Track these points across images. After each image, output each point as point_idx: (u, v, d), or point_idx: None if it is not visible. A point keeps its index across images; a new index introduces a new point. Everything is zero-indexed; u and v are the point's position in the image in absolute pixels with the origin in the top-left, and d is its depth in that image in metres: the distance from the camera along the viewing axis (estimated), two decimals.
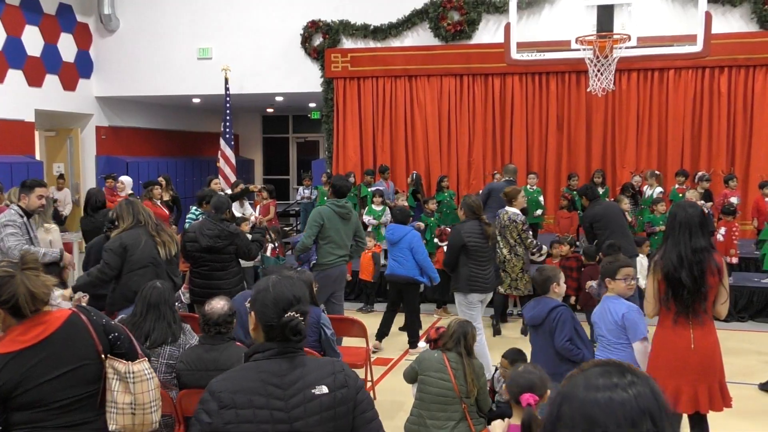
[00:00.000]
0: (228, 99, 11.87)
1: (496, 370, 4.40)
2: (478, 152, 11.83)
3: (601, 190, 9.27)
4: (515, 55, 8.57)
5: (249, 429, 1.93)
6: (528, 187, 9.70)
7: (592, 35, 8.26)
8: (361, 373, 5.21)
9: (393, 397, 5.30)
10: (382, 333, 7.01)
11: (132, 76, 12.92)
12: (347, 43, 12.06)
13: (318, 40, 12.14)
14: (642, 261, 7.10)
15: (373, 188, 10.23)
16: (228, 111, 11.82)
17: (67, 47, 12.54)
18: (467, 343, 3.88)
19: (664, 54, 9.04)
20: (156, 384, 2.66)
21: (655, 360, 3.83)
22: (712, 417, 3.91)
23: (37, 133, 12.39)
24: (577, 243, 8.82)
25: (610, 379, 1.20)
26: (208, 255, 5.65)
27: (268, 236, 7.46)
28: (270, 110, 17.72)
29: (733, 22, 10.50)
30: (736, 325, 7.91)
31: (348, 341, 5.86)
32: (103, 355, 2.50)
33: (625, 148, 11.26)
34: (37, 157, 12.30)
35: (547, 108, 11.56)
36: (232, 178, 11.24)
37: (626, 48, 8.16)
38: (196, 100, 14.46)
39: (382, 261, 8.58)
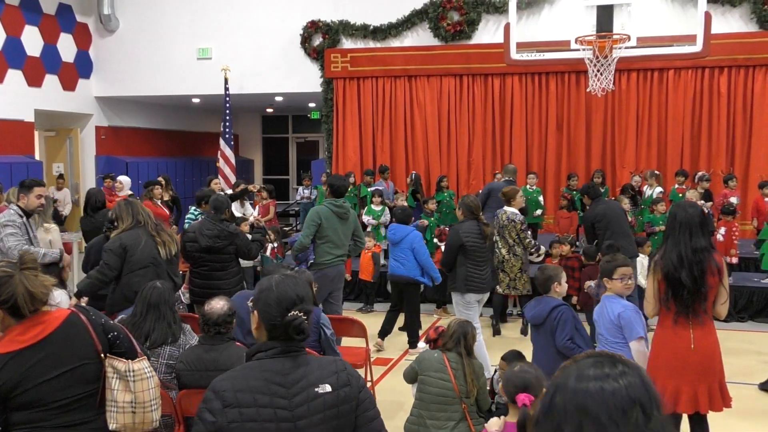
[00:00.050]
0: (228, 99, 11.87)
1: (496, 371, 4.40)
2: (478, 152, 11.83)
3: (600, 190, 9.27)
4: (515, 55, 8.57)
5: (253, 428, 1.94)
6: (528, 187, 9.69)
7: (591, 35, 8.26)
8: (360, 373, 5.20)
9: (393, 397, 5.30)
10: (385, 331, 7.02)
11: (132, 76, 12.92)
12: (347, 43, 12.06)
13: (318, 40, 12.14)
14: (643, 261, 7.10)
15: (373, 188, 10.23)
16: (228, 111, 11.82)
17: (66, 47, 12.54)
18: (467, 343, 3.89)
19: (663, 54, 9.05)
20: (156, 382, 2.66)
21: (655, 360, 3.83)
22: (712, 417, 3.91)
23: (36, 133, 12.39)
24: (577, 243, 8.82)
25: (602, 369, 1.24)
26: (208, 255, 5.65)
27: (267, 237, 7.46)
28: (270, 110, 17.72)
29: (732, 23, 10.50)
30: (736, 326, 7.91)
31: (348, 341, 5.86)
32: (102, 355, 2.50)
33: (625, 148, 11.27)
34: (37, 157, 12.30)
35: (547, 108, 11.56)
36: (232, 178, 11.24)
37: (626, 48, 8.16)
38: (195, 100, 14.46)
39: (382, 261, 8.59)
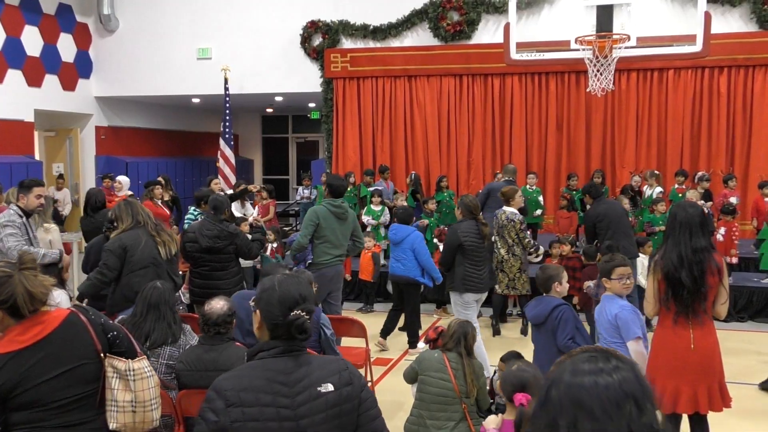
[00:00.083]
0: (227, 99, 11.87)
1: (495, 372, 4.40)
2: (478, 152, 11.83)
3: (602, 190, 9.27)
4: (515, 55, 8.57)
5: (255, 427, 1.94)
6: (527, 187, 9.69)
7: (591, 35, 8.26)
8: (360, 373, 5.20)
9: (393, 397, 5.30)
10: (387, 330, 7.02)
11: (132, 76, 12.92)
12: (347, 43, 12.06)
13: (317, 40, 12.14)
14: (644, 261, 7.10)
15: (372, 188, 10.22)
16: (227, 111, 11.82)
17: (66, 47, 12.54)
18: (467, 343, 3.89)
19: (663, 54, 9.05)
20: (156, 382, 2.66)
21: (655, 360, 3.83)
22: (712, 417, 3.91)
23: (36, 133, 12.39)
24: (577, 243, 8.81)
25: (596, 364, 1.27)
26: (208, 255, 5.65)
27: (266, 236, 7.45)
28: (269, 110, 17.72)
29: (732, 22, 10.50)
30: (736, 326, 7.91)
31: (347, 341, 5.86)
32: (102, 354, 2.50)
33: (625, 148, 11.27)
34: (37, 157, 12.30)
35: (547, 108, 11.56)
36: (232, 179, 11.23)
37: (626, 48, 8.16)
38: (195, 100, 14.46)
39: (382, 261, 8.59)
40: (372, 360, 5.79)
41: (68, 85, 12.63)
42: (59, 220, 10.17)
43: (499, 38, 10.37)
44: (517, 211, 6.99)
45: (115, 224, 4.78)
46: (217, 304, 3.68)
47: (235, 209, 7.99)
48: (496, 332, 7.54)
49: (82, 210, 7.59)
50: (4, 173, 10.28)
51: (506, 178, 8.67)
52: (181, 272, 5.55)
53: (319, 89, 12.24)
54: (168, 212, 8.58)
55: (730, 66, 10.70)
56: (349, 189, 10.19)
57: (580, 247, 7.87)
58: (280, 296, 2.05)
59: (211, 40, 12.52)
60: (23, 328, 2.37)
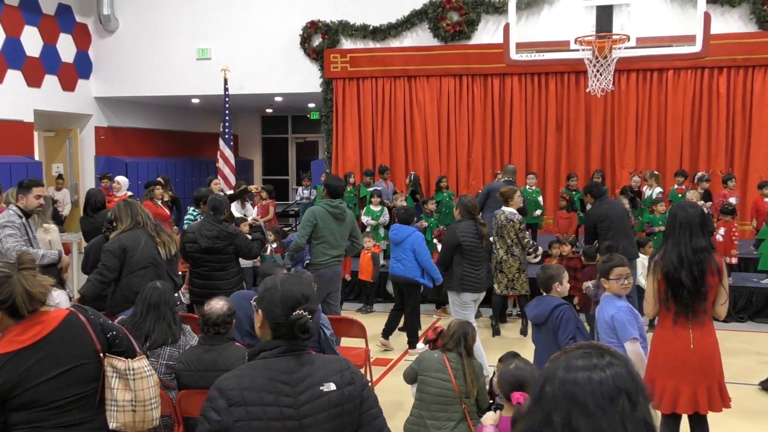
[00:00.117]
0: (227, 99, 11.86)
1: (495, 373, 4.40)
2: (478, 153, 11.83)
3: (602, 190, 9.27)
4: (514, 55, 8.56)
5: (259, 426, 1.94)
6: (527, 187, 9.69)
7: (591, 36, 8.26)
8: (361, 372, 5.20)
9: (393, 397, 5.30)
10: (389, 330, 7.02)
11: (131, 77, 12.92)
12: (346, 44, 12.06)
13: (317, 41, 12.14)
14: (644, 261, 7.09)
15: (372, 189, 10.22)
16: (227, 111, 11.80)
17: (66, 48, 12.54)
18: (467, 343, 3.89)
19: (663, 54, 9.04)
20: (155, 381, 2.66)
21: (655, 360, 3.83)
22: (711, 417, 3.91)
23: (36, 134, 12.39)
24: (577, 243, 8.81)
25: (590, 360, 1.30)
26: (208, 255, 5.65)
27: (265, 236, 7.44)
28: (269, 111, 17.72)
29: (732, 23, 10.51)
30: (736, 326, 7.91)
31: (347, 341, 5.86)
32: (101, 354, 2.50)
33: (624, 148, 11.27)
34: (36, 157, 12.30)
35: (547, 108, 11.56)
36: (232, 179, 11.22)
37: (625, 48, 8.16)
38: (195, 101, 14.46)
39: (381, 261, 8.58)
40: (372, 360, 5.79)
41: (68, 85, 12.63)
42: (59, 220, 10.16)
43: (498, 38, 10.37)
44: (516, 212, 6.99)
45: (115, 225, 4.78)
46: (217, 305, 3.67)
47: (235, 209, 7.98)
48: (496, 332, 7.54)
49: (82, 210, 7.59)
50: (3, 173, 10.28)
51: (506, 179, 8.67)
52: (180, 272, 5.55)
53: (318, 89, 12.24)
54: (168, 212, 8.58)
55: (730, 66, 10.70)
56: (348, 189, 10.20)
57: (580, 248, 7.87)
58: (282, 296, 2.05)
59: (211, 40, 12.52)
60: (22, 329, 2.37)
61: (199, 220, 6.36)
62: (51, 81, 12.22)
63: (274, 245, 7.98)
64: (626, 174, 10.92)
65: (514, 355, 4.01)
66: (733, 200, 9.02)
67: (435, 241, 8.61)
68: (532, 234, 8.76)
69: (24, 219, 5.29)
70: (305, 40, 12.16)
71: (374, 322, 7.16)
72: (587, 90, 8.82)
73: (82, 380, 2.45)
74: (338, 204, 6.04)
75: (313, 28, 12.10)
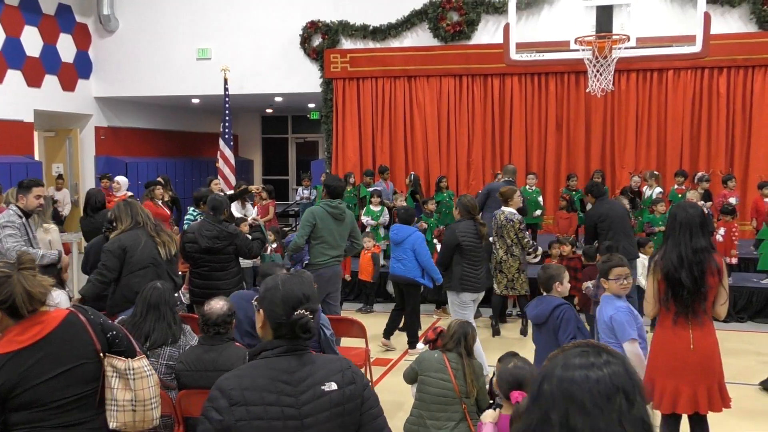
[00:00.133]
0: (227, 99, 11.86)
1: (494, 374, 4.40)
2: (478, 153, 11.83)
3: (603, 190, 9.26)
4: (514, 55, 8.56)
5: (260, 426, 1.94)
6: (527, 187, 9.69)
7: (591, 36, 8.26)
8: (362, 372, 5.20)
9: (393, 397, 5.29)
10: (390, 330, 7.02)
11: (131, 77, 12.92)
12: (346, 44, 12.07)
13: (317, 41, 12.14)
14: (644, 261, 7.09)
15: (372, 189, 10.22)
16: (227, 111, 11.80)
17: (66, 48, 12.54)
18: (467, 343, 3.89)
19: (663, 54, 9.04)
20: (156, 380, 2.66)
21: (655, 360, 3.83)
22: (711, 417, 3.91)
23: (36, 134, 12.39)
24: (577, 244, 8.81)
25: (587, 358, 1.31)
26: (208, 256, 5.65)
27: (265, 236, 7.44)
28: (269, 111, 17.72)
29: (732, 23, 10.51)
30: (735, 326, 7.91)
31: (347, 341, 5.86)
32: (101, 354, 2.50)
33: (624, 148, 11.27)
34: (36, 157, 12.30)
35: (547, 108, 11.56)
36: (232, 179, 11.22)
37: (625, 48, 8.16)
38: (195, 101, 14.46)
39: (382, 261, 8.58)
40: (372, 360, 5.79)
41: (68, 85, 12.63)
42: (59, 220, 10.17)
43: (498, 38, 10.37)
44: (515, 211, 6.99)
45: (115, 225, 4.78)
46: (217, 305, 3.68)
47: (235, 210, 7.98)
48: (496, 333, 7.54)
49: (82, 210, 7.59)
50: (3, 173, 10.28)
51: (506, 179, 8.67)
52: (180, 272, 5.55)
53: (318, 90, 12.24)
54: (168, 213, 8.58)
55: (730, 66, 10.70)
56: (348, 189, 10.20)
57: (580, 248, 7.87)
58: (283, 295, 2.05)
59: (211, 41, 12.52)
60: (22, 329, 2.37)
61: (199, 220, 6.36)
62: (51, 81, 12.22)
63: (274, 245, 7.98)
64: (626, 174, 10.92)
65: (513, 355, 4.02)
66: (733, 200, 9.02)
67: (435, 241, 8.61)
68: (532, 234, 8.76)
69: (24, 219, 5.29)
70: (305, 40, 12.16)
71: (374, 322, 7.16)
72: (587, 90, 8.82)
73: (82, 380, 2.45)
74: (337, 204, 6.04)
75: (313, 28, 12.10)
